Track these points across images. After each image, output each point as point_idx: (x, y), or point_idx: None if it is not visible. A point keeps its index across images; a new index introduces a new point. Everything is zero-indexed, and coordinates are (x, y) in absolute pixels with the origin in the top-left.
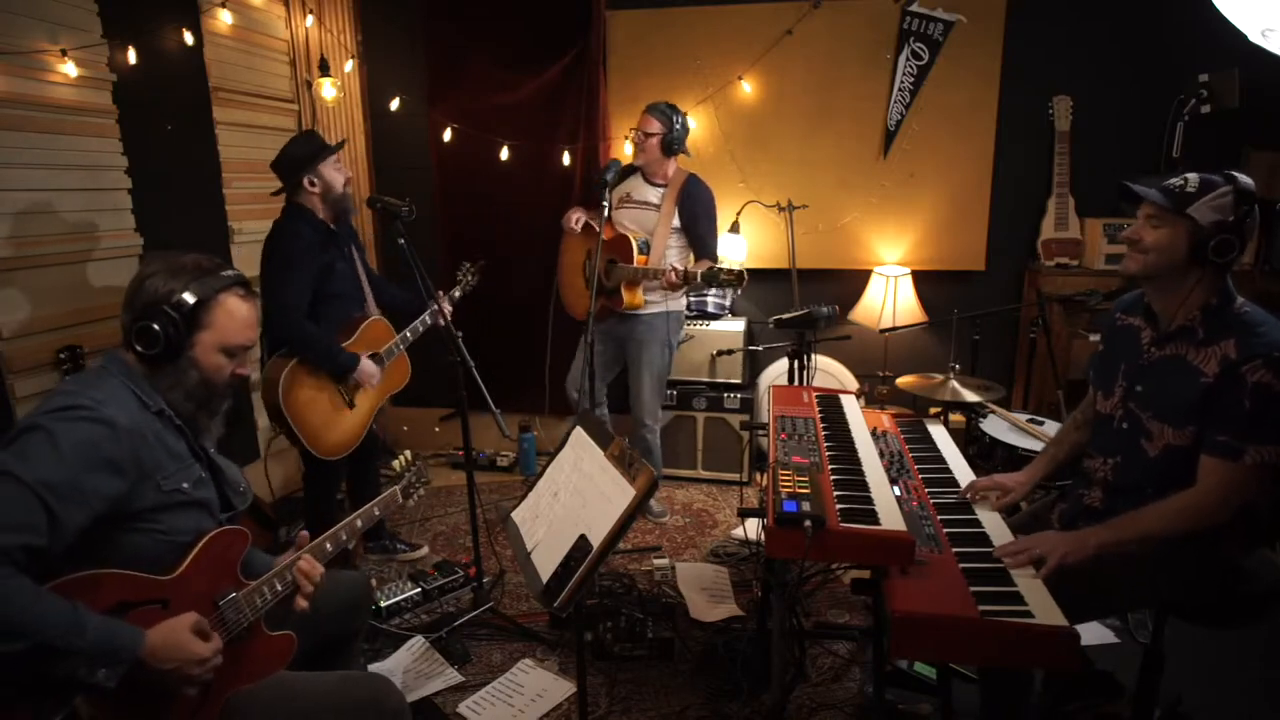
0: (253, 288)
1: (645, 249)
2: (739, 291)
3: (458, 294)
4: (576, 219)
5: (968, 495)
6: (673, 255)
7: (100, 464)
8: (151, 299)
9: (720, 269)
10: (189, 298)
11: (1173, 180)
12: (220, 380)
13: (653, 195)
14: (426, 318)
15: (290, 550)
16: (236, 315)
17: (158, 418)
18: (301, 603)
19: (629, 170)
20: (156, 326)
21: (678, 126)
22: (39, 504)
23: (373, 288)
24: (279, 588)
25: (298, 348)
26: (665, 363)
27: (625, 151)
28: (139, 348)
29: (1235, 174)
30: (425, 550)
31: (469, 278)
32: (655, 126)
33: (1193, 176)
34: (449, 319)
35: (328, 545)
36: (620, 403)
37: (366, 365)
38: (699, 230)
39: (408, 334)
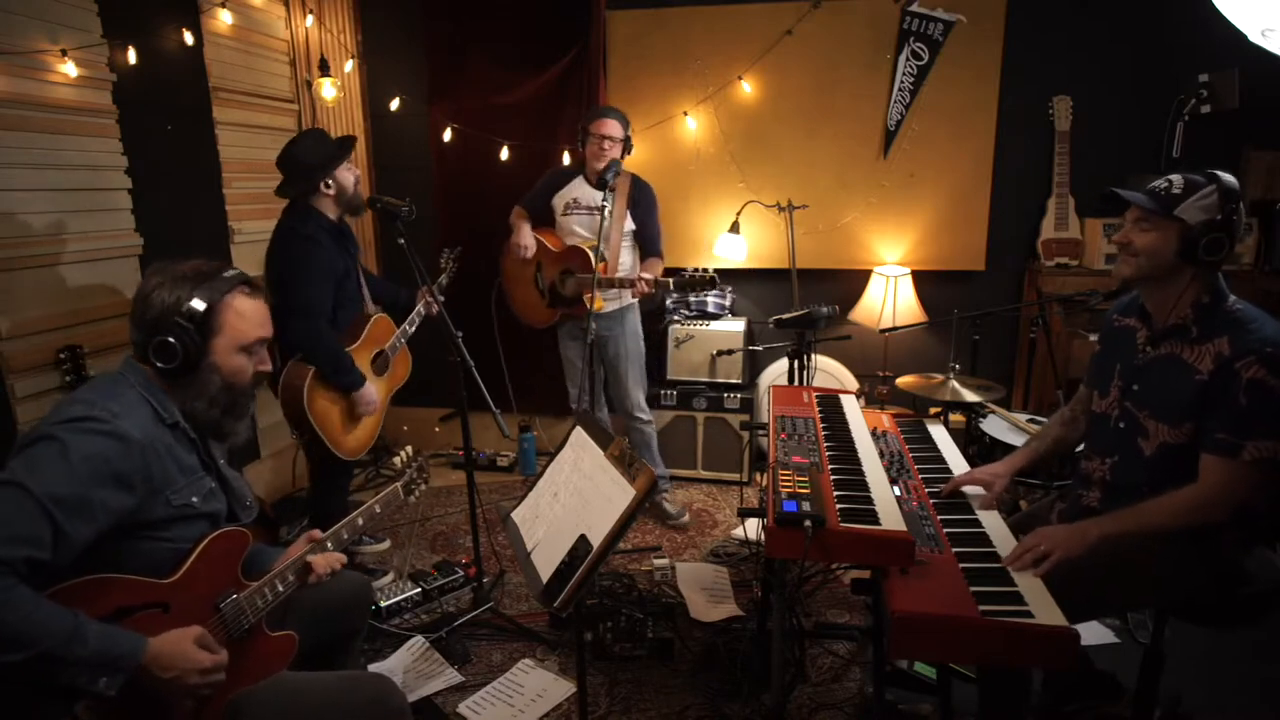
0: (257, 284)
1: (600, 256)
2: (717, 293)
3: (444, 281)
4: (526, 247)
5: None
6: (625, 256)
7: (109, 479)
8: (160, 312)
9: (693, 274)
10: (198, 304)
11: (1157, 183)
12: (244, 381)
13: (601, 199)
14: (421, 308)
15: (301, 542)
16: (247, 314)
17: (171, 430)
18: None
19: (569, 174)
20: (172, 340)
21: (629, 131)
22: (45, 517)
23: (368, 286)
24: (280, 588)
25: (318, 360)
26: (640, 349)
27: (564, 161)
28: (159, 364)
29: (1218, 173)
30: (388, 543)
31: (450, 265)
32: (620, 132)
33: (1176, 178)
34: (442, 310)
35: (344, 534)
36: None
37: (368, 391)
38: (649, 230)
39: (406, 327)
